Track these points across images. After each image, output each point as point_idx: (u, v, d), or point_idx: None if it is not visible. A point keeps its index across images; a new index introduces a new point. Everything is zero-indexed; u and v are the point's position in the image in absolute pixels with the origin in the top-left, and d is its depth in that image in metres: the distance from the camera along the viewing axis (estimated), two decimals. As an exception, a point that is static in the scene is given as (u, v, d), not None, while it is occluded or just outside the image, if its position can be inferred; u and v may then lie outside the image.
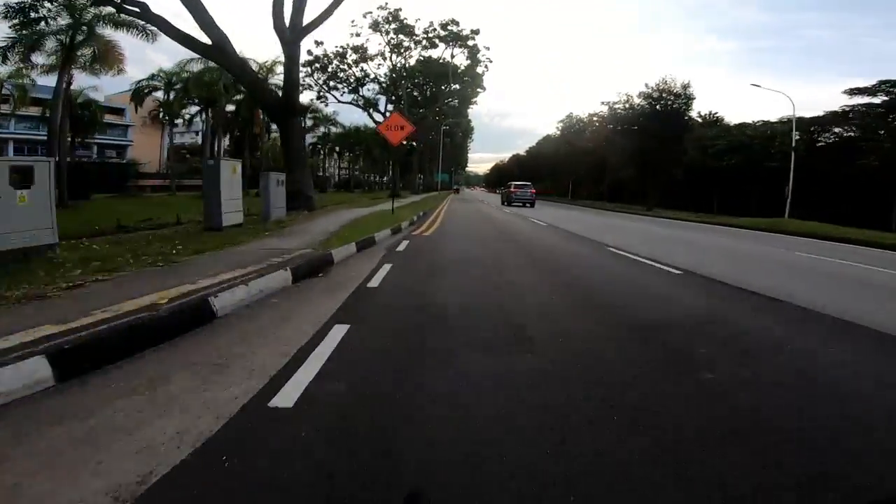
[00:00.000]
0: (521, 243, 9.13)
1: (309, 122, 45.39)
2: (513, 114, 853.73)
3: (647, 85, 34.48)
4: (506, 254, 7.56)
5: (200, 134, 39.16)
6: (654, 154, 32.72)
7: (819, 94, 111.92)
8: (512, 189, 29.88)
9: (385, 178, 63.31)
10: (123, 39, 25.68)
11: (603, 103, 38.47)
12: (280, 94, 13.63)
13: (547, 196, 63.67)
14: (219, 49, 11.58)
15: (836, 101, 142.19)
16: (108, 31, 18.80)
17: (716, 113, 45.13)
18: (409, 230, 10.60)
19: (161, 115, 37.50)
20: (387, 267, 5.85)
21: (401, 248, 7.68)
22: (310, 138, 57.77)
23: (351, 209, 15.23)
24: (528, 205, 28.00)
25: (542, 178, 75.41)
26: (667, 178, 35.14)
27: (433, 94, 40.94)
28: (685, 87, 32.73)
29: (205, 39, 11.56)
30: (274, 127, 50.65)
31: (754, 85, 30.24)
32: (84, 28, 17.93)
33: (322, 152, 58.11)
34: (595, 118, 47.44)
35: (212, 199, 8.01)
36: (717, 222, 21.87)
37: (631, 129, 35.30)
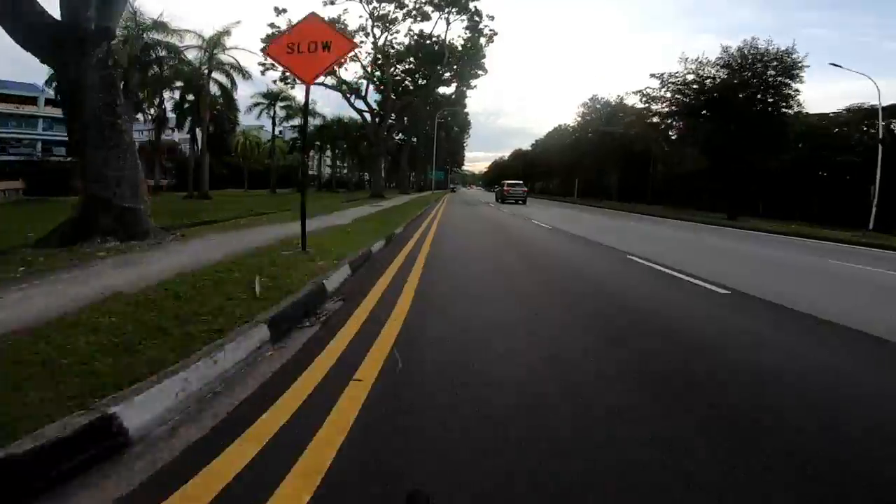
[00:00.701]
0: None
1: (281, 112, 38.78)
2: (509, 113, 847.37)
3: (725, 49, 25.27)
4: None
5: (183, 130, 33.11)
6: (741, 141, 23.98)
7: (813, 92, 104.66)
8: (506, 188, 31.88)
9: (379, 178, 56.83)
10: None
11: (653, 76, 27.95)
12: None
13: (558, 198, 56.91)
14: None
15: (834, 99, 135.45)
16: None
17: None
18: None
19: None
20: None
21: None
22: (289, 132, 51.23)
23: (254, 230, 8.62)
24: (520, 202, 30.30)
25: (552, 176, 68.26)
26: (756, 174, 27.19)
27: (426, 77, 34.40)
28: (787, 52, 23.71)
29: None
30: (245, 122, 43.85)
31: (834, 65, 23.61)
32: None
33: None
34: (640, 96, 34.92)
35: None
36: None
37: (703, 108, 26.31)
